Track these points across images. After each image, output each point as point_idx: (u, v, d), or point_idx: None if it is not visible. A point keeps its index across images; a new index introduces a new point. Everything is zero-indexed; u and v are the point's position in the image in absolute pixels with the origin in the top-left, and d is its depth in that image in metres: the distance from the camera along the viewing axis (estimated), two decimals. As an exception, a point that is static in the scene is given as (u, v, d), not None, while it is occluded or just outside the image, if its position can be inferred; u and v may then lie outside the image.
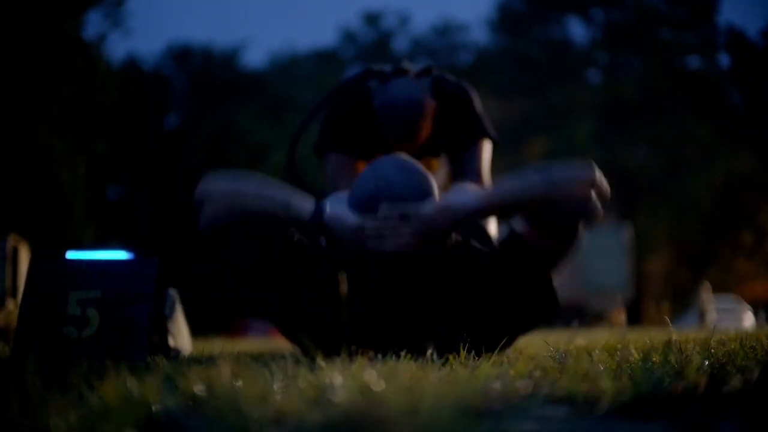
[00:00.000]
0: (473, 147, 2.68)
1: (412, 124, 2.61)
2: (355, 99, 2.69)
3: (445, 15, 56.37)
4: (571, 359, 1.46)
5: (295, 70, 30.20)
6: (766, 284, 23.49)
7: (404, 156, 2.13)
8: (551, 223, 1.94)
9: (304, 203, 1.99)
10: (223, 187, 2.01)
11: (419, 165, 2.06)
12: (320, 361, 1.36)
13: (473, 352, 1.76)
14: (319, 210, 1.96)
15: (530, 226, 1.95)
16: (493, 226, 2.69)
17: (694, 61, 27.07)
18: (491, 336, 1.92)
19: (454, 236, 2.01)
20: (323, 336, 1.88)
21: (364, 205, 1.96)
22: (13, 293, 4.26)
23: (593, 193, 1.90)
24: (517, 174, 1.99)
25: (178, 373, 1.26)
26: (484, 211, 1.97)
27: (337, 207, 1.98)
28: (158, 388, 1.08)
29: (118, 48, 32.33)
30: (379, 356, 1.57)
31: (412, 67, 2.73)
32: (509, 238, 2.02)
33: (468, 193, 1.99)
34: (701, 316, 13.12)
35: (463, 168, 2.67)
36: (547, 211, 1.92)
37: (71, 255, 1.96)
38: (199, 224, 2.01)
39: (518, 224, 1.99)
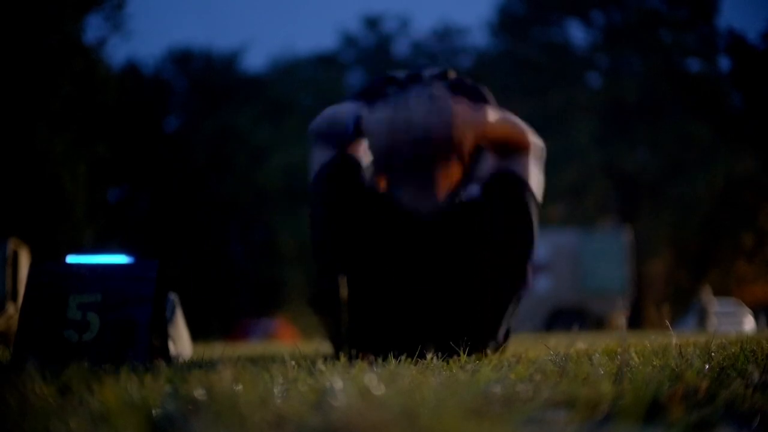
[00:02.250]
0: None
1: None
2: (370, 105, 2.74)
3: (446, 18, 56.44)
4: (572, 363, 1.46)
5: (296, 74, 30.18)
6: (766, 287, 23.48)
7: None
8: (512, 148, 2.34)
9: (352, 109, 2.35)
10: (332, 109, 2.44)
11: None
12: (320, 365, 1.36)
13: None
14: (358, 113, 2.28)
15: (498, 152, 2.33)
16: None
17: (694, 64, 27.08)
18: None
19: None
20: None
21: (395, 101, 2.27)
22: (14, 297, 4.26)
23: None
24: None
25: (178, 376, 1.26)
26: (488, 124, 2.28)
27: (374, 107, 2.30)
28: (159, 392, 1.08)
29: (118, 51, 32.32)
30: (380, 360, 1.57)
31: (429, 72, 2.76)
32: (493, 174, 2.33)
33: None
34: (702, 319, 13.09)
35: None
36: (512, 137, 2.34)
37: (71, 259, 1.96)
38: (309, 129, 2.40)
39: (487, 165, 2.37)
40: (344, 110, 2.35)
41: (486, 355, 2.11)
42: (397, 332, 2.15)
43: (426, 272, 2.18)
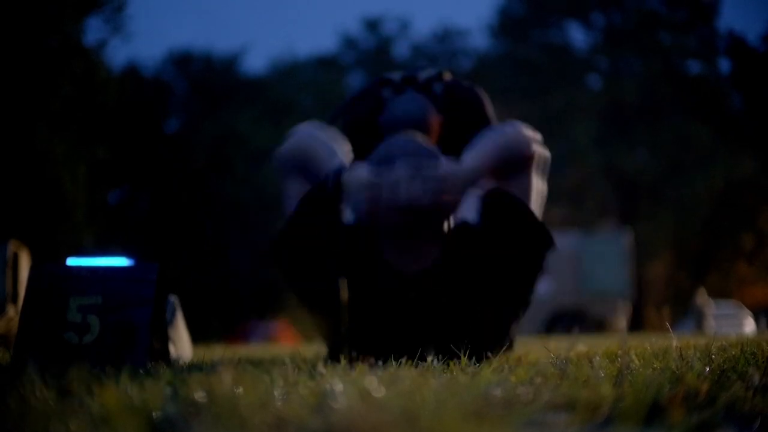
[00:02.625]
0: None
1: None
2: (366, 110, 2.71)
3: (446, 20, 56.46)
4: (572, 365, 1.46)
5: (296, 76, 30.19)
6: (766, 289, 23.47)
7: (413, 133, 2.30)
8: (511, 168, 2.24)
9: (335, 161, 2.18)
10: (305, 131, 2.34)
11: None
12: (321, 368, 1.36)
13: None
14: (340, 167, 2.14)
15: (497, 178, 2.22)
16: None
17: (694, 65, 27.09)
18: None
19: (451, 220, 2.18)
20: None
21: (379, 164, 2.10)
22: (14, 299, 4.26)
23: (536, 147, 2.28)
24: (478, 142, 2.26)
25: (178, 379, 1.26)
26: (480, 170, 2.17)
27: (357, 166, 2.14)
28: (159, 394, 1.08)
29: (118, 53, 32.33)
30: (380, 362, 1.57)
31: (424, 74, 2.75)
32: (488, 200, 2.23)
33: (465, 161, 2.19)
34: (699, 321, 13.08)
35: None
36: (509, 160, 2.24)
37: (72, 261, 1.96)
38: (276, 153, 2.32)
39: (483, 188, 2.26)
40: (319, 152, 2.23)
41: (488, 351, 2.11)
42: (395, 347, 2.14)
43: (417, 320, 2.14)
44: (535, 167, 2.27)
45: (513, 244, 2.18)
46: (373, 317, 2.14)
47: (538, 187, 2.29)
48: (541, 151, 2.28)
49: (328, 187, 2.11)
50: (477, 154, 2.19)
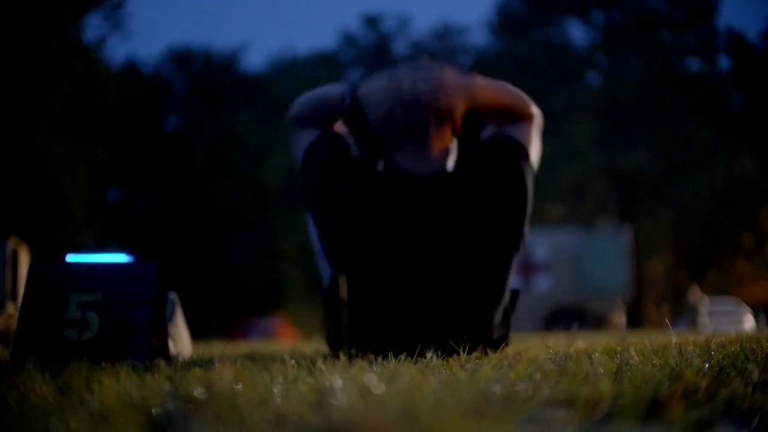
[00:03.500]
0: None
1: None
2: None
3: (445, 18, 56.45)
4: (572, 362, 1.46)
5: (295, 73, 30.17)
6: (766, 286, 23.48)
7: None
8: (512, 118, 2.40)
9: (344, 87, 2.38)
10: (310, 93, 2.49)
11: None
12: (320, 364, 1.36)
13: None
14: (353, 86, 2.35)
15: (498, 123, 2.40)
16: None
17: (694, 64, 27.08)
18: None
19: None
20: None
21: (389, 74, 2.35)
22: (14, 296, 4.26)
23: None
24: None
25: (178, 376, 1.26)
26: (482, 93, 2.36)
27: (369, 79, 2.37)
28: (158, 391, 1.08)
29: (118, 51, 32.34)
30: (379, 359, 1.57)
31: None
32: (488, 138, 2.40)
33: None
34: (691, 319, 13.08)
35: None
36: (511, 107, 2.40)
37: (71, 258, 1.96)
38: (287, 116, 2.47)
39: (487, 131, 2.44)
40: (331, 90, 2.43)
41: (487, 346, 2.12)
42: (398, 314, 2.19)
43: (425, 238, 2.25)
44: (535, 126, 2.41)
45: (508, 183, 2.30)
46: (376, 301, 2.22)
47: (537, 146, 2.41)
48: (537, 110, 2.44)
49: (345, 101, 2.32)
50: (482, 82, 2.37)
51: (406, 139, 2.30)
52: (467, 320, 2.22)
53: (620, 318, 15.10)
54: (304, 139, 2.39)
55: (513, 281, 2.35)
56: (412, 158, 2.30)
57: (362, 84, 2.35)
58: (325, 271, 2.41)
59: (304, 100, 2.47)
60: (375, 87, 2.32)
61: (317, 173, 2.34)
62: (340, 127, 2.42)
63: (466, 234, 2.25)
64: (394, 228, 2.26)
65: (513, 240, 2.31)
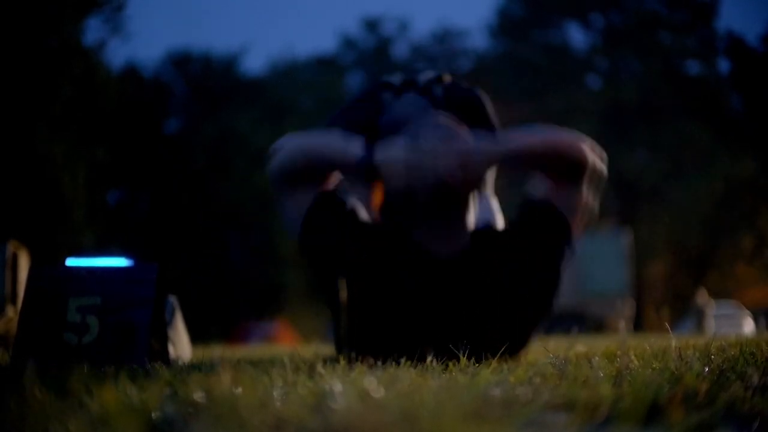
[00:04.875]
0: None
1: None
2: (366, 113, 2.71)
3: (445, 21, 56.49)
4: (571, 366, 1.46)
5: (295, 76, 30.20)
6: (766, 290, 23.46)
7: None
8: (563, 171, 2.12)
9: (357, 148, 2.07)
10: (294, 140, 2.16)
11: None
12: (320, 368, 1.36)
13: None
14: (370, 150, 2.05)
15: (548, 176, 2.14)
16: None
17: (693, 66, 27.11)
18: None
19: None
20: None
21: (412, 140, 2.06)
22: (13, 300, 4.26)
23: (590, 150, 2.15)
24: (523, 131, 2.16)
25: (177, 379, 1.26)
26: (515, 153, 2.09)
27: (389, 144, 2.07)
28: (158, 394, 1.08)
29: (118, 54, 32.35)
30: (379, 363, 1.57)
31: (424, 77, 2.75)
32: (531, 203, 2.17)
33: (506, 139, 2.13)
34: (699, 321, 13.08)
35: None
36: (559, 159, 2.11)
37: (71, 261, 1.96)
38: (270, 170, 2.13)
39: (536, 188, 2.18)
40: (328, 141, 2.16)
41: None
42: (400, 320, 2.10)
43: (443, 310, 2.08)
44: (588, 179, 2.15)
45: (542, 250, 2.13)
46: (391, 316, 2.10)
47: (588, 203, 2.18)
48: (598, 163, 2.15)
49: (362, 167, 2.04)
50: (522, 135, 2.13)
51: (427, 217, 2.09)
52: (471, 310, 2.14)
53: (620, 321, 15.09)
54: (297, 201, 2.12)
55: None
56: (433, 238, 2.09)
57: (378, 150, 2.06)
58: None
59: (291, 151, 2.12)
60: (394, 157, 2.03)
61: (325, 248, 2.11)
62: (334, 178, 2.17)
63: (491, 302, 2.10)
64: (408, 299, 2.09)
65: (537, 315, 2.21)
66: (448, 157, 2.00)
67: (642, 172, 25.66)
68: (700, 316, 13.32)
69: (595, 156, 2.15)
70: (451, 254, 2.07)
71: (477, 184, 2.10)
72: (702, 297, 14.04)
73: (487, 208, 2.33)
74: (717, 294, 19.18)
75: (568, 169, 2.11)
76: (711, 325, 12.47)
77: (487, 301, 2.09)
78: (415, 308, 2.09)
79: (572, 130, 2.20)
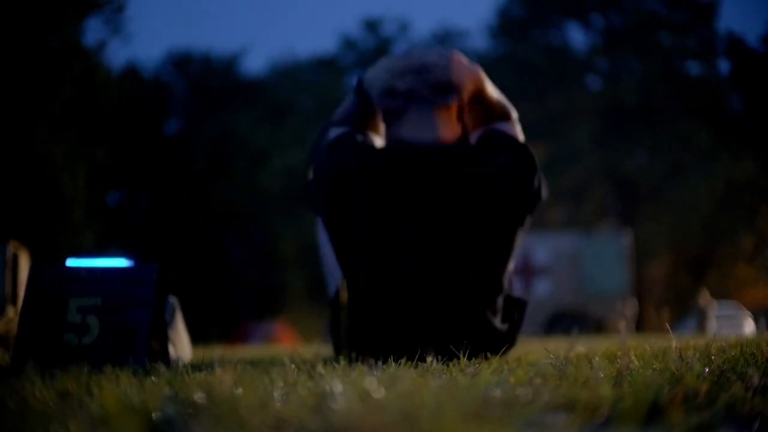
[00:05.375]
0: None
1: None
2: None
3: (445, 21, 56.48)
4: (572, 366, 1.46)
5: (295, 77, 30.19)
6: (766, 290, 23.46)
7: None
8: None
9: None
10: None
11: None
12: (320, 368, 1.36)
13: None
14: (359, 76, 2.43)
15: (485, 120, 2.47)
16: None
17: (693, 67, 27.09)
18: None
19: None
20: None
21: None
22: (14, 300, 4.25)
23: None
24: None
25: (178, 380, 1.26)
26: (485, 81, 2.44)
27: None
28: (158, 395, 1.08)
29: (118, 54, 32.31)
30: (379, 363, 1.57)
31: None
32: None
33: None
34: (701, 322, 13.08)
35: None
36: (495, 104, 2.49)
37: (71, 262, 1.96)
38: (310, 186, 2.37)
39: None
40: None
41: (488, 345, 2.11)
42: (398, 317, 2.15)
43: (431, 212, 2.19)
44: (518, 126, 2.46)
45: (507, 171, 2.26)
46: (390, 310, 2.18)
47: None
48: (516, 115, 2.50)
49: (355, 93, 2.38)
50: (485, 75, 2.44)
51: (407, 106, 2.27)
52: (465, 309, 2.18)
53: (621, 321, 15.08)
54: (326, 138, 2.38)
55: (518, 291, 2.30)
56: (414, 127, 2.25)
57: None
58: (331, 281, 2.37)
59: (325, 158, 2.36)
60: (378, 67, 2.38)
61: (337, 168, 2.27)
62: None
63: (470, 210, 2.20)
64: (403, 204, 2.22)
65: (516, 220, 2.26)
66: (435, 55, 2.31)
67: (642, 172, 25.65)
68: (702, 317, 13.32)
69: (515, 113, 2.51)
70: (431, 142, 2.24)
71: (458, 90, 2.30)
72: (704, 297, 14.03)
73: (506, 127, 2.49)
74: (717, 294, 19.18)
75: (504, 115, 2.45)
76: (713, 325, 12.47)
77: (467, 204, 2.19)
78: (413, 296, 2.16)
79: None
